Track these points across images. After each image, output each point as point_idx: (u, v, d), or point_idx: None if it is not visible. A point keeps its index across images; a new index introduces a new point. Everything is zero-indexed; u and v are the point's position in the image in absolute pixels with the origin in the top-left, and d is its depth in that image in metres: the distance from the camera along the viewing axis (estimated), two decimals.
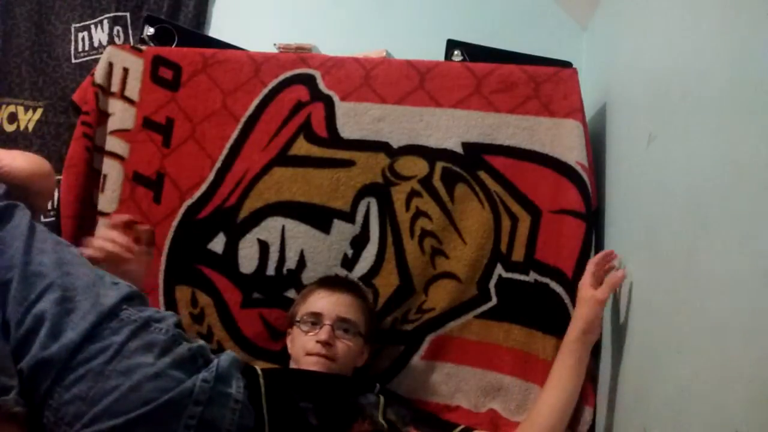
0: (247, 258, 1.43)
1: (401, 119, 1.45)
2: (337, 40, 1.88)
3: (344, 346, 1.26)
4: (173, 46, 1.60)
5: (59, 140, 1.94)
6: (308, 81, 1.49)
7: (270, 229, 1.44)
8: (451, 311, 1.38)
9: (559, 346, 1.27)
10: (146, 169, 1.49)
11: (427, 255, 1.40)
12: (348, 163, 1.44)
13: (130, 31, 2.01)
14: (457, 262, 1.39)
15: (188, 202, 1.46)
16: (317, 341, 1.24)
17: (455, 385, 1.37)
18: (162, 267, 1.44)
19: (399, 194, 1.43)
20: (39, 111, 1.98)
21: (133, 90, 1.52)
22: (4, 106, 2.00)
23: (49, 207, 1.70)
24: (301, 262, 1.42)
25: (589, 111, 1.47)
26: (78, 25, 2.03)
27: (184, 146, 1.49)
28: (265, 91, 1.49)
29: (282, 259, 1.43)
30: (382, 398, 1.21)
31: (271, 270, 1.43)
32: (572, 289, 1.31)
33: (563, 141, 1.39)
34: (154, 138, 1.50)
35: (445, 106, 1.44)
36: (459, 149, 1.42)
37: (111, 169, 1.49)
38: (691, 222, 0.89)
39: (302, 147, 1.46)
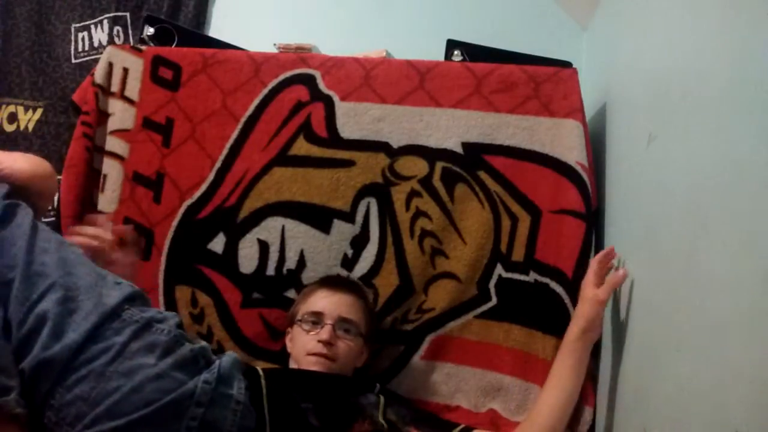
0: (247, 258, 1.43)
1: (401, 119, 1.45)
2: (337, 40, 1.88)
3: (345, 346, 1.26)
4: (173, 46, 1.60)
5: (59, 140, 1.94)
6: (308, 81, 1.49)
7: (270, 229, 1.44)
8: (451, 311, 1.38)
9: (559, 346, 1.27)
10: (146, 169, 1.49)
11: (427, 255, 1.40)
12: (348, 163, 1.44)
13: (130, 31, 2.01)
14: (457, 262, 1.39)
15: (188, 202, 1.46)
16: (318, 341, 1.24)
17: (455, 385, 1.37)
18: (162, 267, 1.44)
19: (399, 194, 1.43)
20: (39, 111, 1.98)
21: (133, 90, 1.52)
22: (4, 106, 2.00)
23: (49, 207, 1.70)
24: (301, 262, 1.42)
25: (589, 111, 1.47)
26: (78, 25, 2.03)
27: (184, 146, 1.49)
28: (265, 91, 1.49)
29: (282, 259, 1.43)
30: (382, 398, 1.21)
31: (271, 270, 1.43)
32: (572, 289, 1.31)
33: (563, 141, 1.39)
34: (154, 138, 1.50)
35: (445, 106, 1.44)
36: (459, 149, 1.42)
37: (111, 169, 1.49)
38: (691, 222, 0.89)
39: (302, 147, 1.46)
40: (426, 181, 1.42)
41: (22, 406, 0.92)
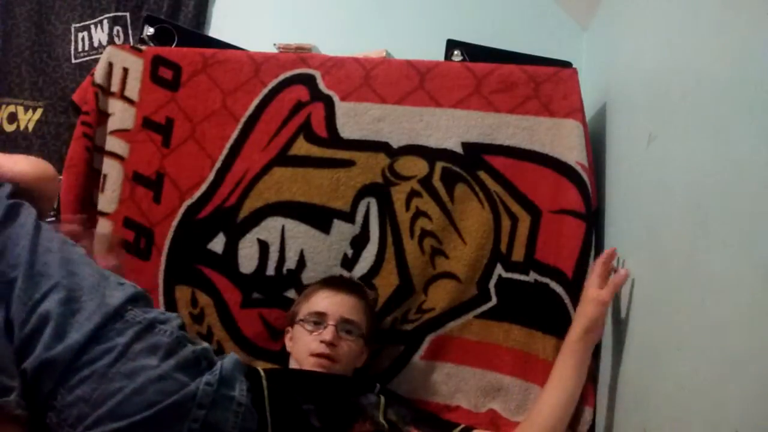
0: (247, 258, 1.43)
1: (401, 119, 1.45)
2: (337, 40, 1.88)
3: (347, 346, 1.26)
4: (173, 46, 1.60)
5: (59, 140, 1.94)
6: (308, 81, 1.49)
7: (270, 229, 1.44)
8: (451, 311, 1.38)
9: (559, 346, 1.27)
10: (146, 169, 1.49)
11: (427, 255, 1.40)
12: (348, 163, 1.44)
13: (129, 31, 2.01)
14: (456, 262, 1.39)
15: (188, 202, 1.46)
16: (321, 341, 1.24)
17: (455, 385, 1.37)
18: (162, 267, 1.44)
19: (399, 194, 1.43)
20: (39, 111, 1.98)
21: (132, 90, 1.52)
22: (4, 106, 2.00)
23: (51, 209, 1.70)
24: (301, 262, 1.42)
25: (589, 111, 1.47)
26: (78, 25, 2.03)
27: (184, 146, 1.49)
28: (265, 91, 1.49)
29: (282, 259, 1.43)
30: (382, 398, 1.21)
31: (270, 270, 1.43)
32: (572, 289, 1.31)
33: (563, 141, 1.39)
34: (153, 138, 1.50)
35: (445, 106, 1.44)
36: (459, 149, 1.42)
37: (111, 169, 1.49)
38: (691, 222, 0.89)
39: (302, 147, 1.46)
40: (426, 181, 1.42)
41: (22, 408, 0.91)
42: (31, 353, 0.94)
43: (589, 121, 1.44)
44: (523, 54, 1.52)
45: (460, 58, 1.54)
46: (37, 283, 0.99)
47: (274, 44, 1.89)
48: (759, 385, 0.67)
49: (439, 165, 1.43)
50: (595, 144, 1.44)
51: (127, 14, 2.02)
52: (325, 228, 1.43)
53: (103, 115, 1.51)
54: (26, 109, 1.99)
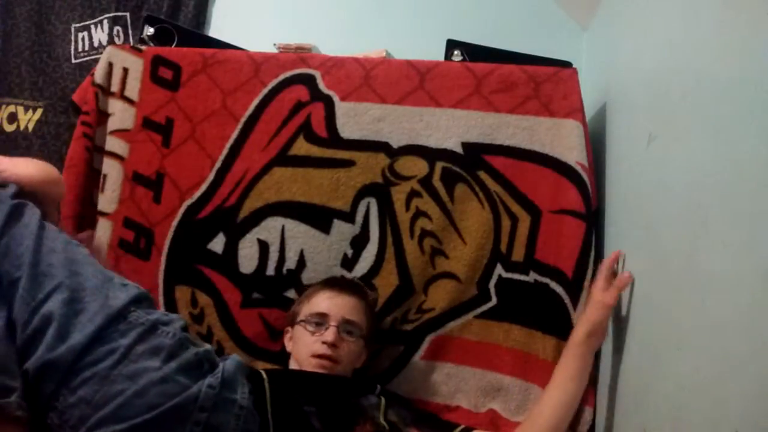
0: (247, 258, 1.43)
1: (401, 119, 1.45)
2: (337, 40, 1.88)
3: (348, 347, 1.26)
4: (173, 46, 1.60)
5: (59, 140, 1.94)
6: (308, 81, 1.49)
7: (270, 229, 1.44)
8: (451, 311, 1.38)
9: (559, 347, 1.27)
10: (146, 169, 1.49)
11: (427, 255, 1.40)
12: (348, 163, 1.44)
13: (130, 31, 2.01)
14: (456, 262, 1.39)
15: (188, 202, 1.46)
16: (323, 342, 1.24)
17: (455, 385, 1.37)
18: (162, 267, 1.44)
19: (399, 194, 1.43)
20: (39, 111, 1.98)
21: (132, 90, 1.52)
22: (4, 106, 2.00)
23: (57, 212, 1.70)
24: (301, 262, 1.42)
25: (589, 111, 1.47)
26: (78, 25, 2.03)
27: (184, 146, 1.49)
28: (265, 91, 1.49)
29: (282, 259, 1.43)
30: (383, 399, 1.21)
31: (270, 270, 1.43)
32: (572, 289, 1.31)
33: (563, 141, 1.39)
34: (153, 138, 1.50)
35: (445, 106, 1.44)
36: (459, 149, 1.42)
37: (111, 169, 1.49)
38: (691, 222, 0.89)
39: (302, 147, 1.46)
40: (426, 181, 1.42)
41: (23, 409, 0.91)
42: (33, 354, 0.94)
43: (589, 121, 1.44)
44: (523, 54, 1.52)
45: (460, 58, 1.54)
46: (41, 283, 0.98)
47: (274, 44, 1.89)
48: (759, 384, 0.67)
49: (439, 165, 1.43)
50: (595, 144, 1.44)
51: (127, 14, 2.02)
52: (325, 228, 1.43)
53: (103, 115, 1.51)
54: (26, 109, 1.99)
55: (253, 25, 1.99)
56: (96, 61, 1.83)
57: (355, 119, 1.46)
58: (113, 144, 1.50)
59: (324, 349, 1.23)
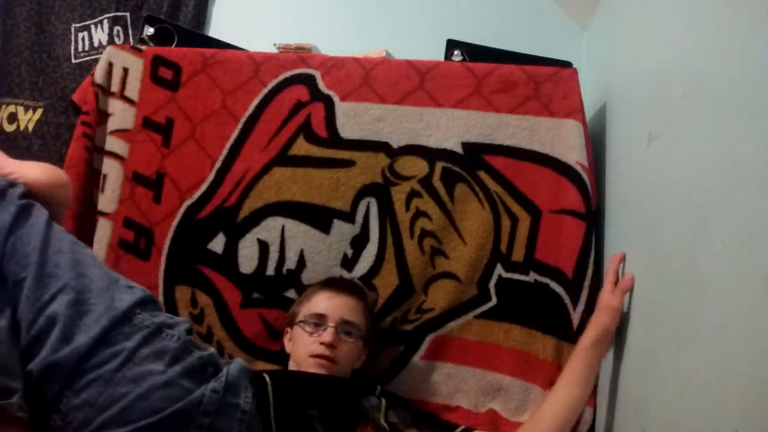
0: (247, 258, 1.43)
1: (401, 119, 1.45)
2: (337, 40, 1.88)
3: (347, 348, 1.26)
4: (173, 46, 1.60)
5: (59, 140, 1.94)
6: (308, 81, 1.49)
7: (270, 229, 1.44)
8: (451, 311, 1.38)
9: (559, 347, 1.27)
10: (146, 169, 1.49)
11: (427, 255, 1.40)
12: (348, 163, 1.44)
13: (130, 31, 2.01)
14: (456, 262, 1.39)
15: (188, 202, 1.46)
16: (321, 343, 1.24)
17: (455, 386, 1.37)
18: (162, 267, 1.44)
19: (399, 194, 1.43)
20: (39, 111, 1.98)
21: (132, 90, 1.52)
22: (4, 106, 2.00)
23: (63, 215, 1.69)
24: (301, 262, 1.42)
25: (589, 111, 1.47)
26: (78, 25, 2.03)
27: (184, 146, 1.49)
28: (265, 91, 1.49)
29: (282, 259, 1.43)
30: (383, 401, 1.21)
31: (270, 270, 1.43)
32: (572, 289, 1.31)
33: (563, 141, 1.39)
34: (153, 138, 1.50)
35: (445, 106, 1.44)
36: (459, 149, 1.42)
37: (111, 169, 1.49)
38: (691, 222, 0.89)
39: (302, 147, 1.46)
40: (426, 181, 1.42)
41: (24, 410, 0.90)
42: (37, 355, 0.93)
43: (589, 121, 1.44)
44: (523, 54, 1.52)
45: (460, 58, 1.54)
46: (47, 284, 0.97)
47: (274, 44, 1.89)
48: (759, 384, 0.67)
49: (439, 165, 1.43)
50: (595, 144, 1.44)
51: (127, 14, 2.02)
52: (325, 228, 1.43)
53: (103, 115, 1.51)
54: (26, 109, 1.99)
55: (253, 25, 1.99)
56: (96, 61, 1.83)
57: (355, 119, 1.46)
58: (113, 144, 1.50)
59: (322, 350, 1.23)
